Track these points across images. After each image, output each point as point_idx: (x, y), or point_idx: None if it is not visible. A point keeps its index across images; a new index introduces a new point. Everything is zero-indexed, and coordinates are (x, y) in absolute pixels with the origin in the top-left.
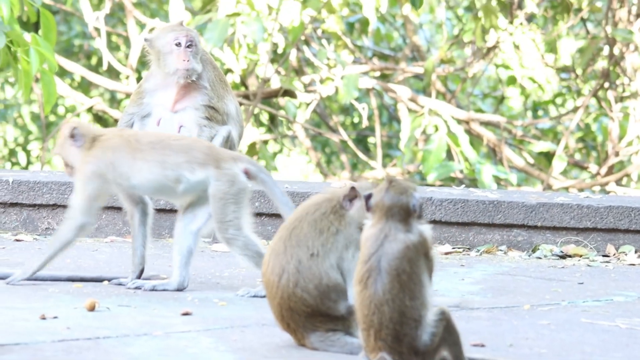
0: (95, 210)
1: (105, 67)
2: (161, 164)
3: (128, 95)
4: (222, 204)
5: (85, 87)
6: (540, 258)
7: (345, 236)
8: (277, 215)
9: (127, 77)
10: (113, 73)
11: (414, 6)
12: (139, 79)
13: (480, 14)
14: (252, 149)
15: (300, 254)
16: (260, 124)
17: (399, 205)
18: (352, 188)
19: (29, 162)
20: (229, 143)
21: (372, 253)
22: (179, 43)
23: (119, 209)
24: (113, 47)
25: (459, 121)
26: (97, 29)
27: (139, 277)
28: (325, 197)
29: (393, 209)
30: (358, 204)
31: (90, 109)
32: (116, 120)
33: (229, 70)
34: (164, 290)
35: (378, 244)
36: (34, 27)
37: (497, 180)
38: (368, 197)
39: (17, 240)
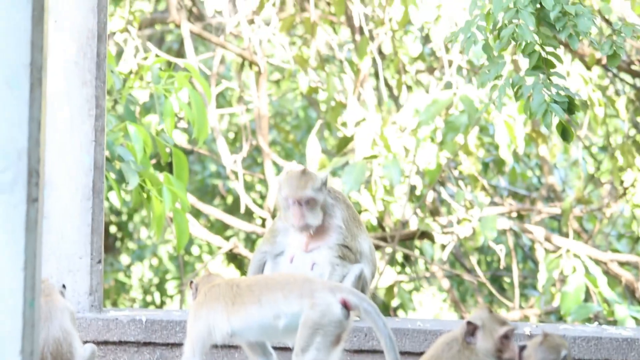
0: (203, 353)
1: (242, 210)
2: (258, 304)
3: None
4: (310, 332)
5: (219, 226)
6: None
7: None
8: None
9: (264, 220)
10: (247, 212)
11: (565, 140)
12: (273, 216)
13: (617, 153)
14: (390, 291)
15: None
16: (394, 261)
17: None
18: (468, 322)
19: (162, 302)
20: (361, 281)
21: None
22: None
23: None
24: (248, 187)
25: (597, 262)
26: (234, 172)
27: None
28: (452, 335)
29: None
30: (480, 333)
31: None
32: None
33: (364, 211)
34: None
35: None
36: (168, 167)
37: (636, 320)
38: (522, 348)
39: None
